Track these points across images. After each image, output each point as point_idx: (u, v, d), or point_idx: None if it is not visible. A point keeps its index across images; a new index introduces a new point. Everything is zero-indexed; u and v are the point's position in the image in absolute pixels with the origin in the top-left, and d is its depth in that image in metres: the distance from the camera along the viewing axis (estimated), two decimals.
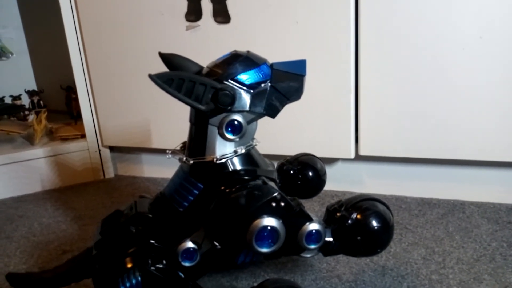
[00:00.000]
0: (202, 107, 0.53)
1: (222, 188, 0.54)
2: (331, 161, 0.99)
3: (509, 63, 0.78)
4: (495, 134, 0.82)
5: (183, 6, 0.97)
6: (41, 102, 1.35)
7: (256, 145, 0.59)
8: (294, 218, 0.53)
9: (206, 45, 0.97)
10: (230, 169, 0.56)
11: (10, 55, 1.38)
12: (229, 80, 0.54)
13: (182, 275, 0.55)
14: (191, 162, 0.56)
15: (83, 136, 1.16)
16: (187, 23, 0.97)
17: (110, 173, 1.19)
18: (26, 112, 1.31)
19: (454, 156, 0.86)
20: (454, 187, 0.91)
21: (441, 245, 0.74)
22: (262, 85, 0.55)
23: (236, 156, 0.56)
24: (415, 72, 0.84)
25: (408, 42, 0.83)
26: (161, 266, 0.54)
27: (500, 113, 0.81)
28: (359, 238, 0.55)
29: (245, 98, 0.55)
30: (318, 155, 0.73)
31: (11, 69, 1.39)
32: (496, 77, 0.79)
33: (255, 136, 0.59)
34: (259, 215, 0.51)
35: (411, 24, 0.82)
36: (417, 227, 0.80)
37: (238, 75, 0.54)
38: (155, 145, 1.09)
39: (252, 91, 0.55)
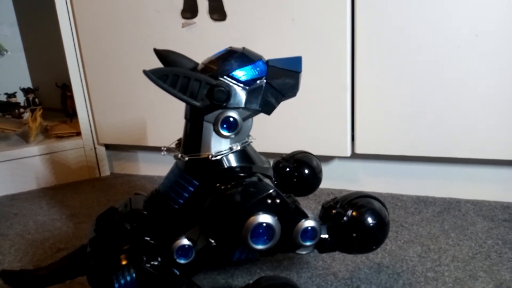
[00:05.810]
0: (197, 104, 0.53)
1: (217, 185, 0.54)
2: (328, 159, 0.98)
3: (504, 61, 0.78)
4: (491, 132, 0.82)
5: (179, 3, 0.96)
6: (37, 100, 1.35)
7: (251, 142, 0.59)
8: (290, 215, 0.53)
9: (202, 43, 0.96)
10: (226, 166, 0.55)
11: (5, 52, 1.37)
12: (224, 77, 0.54)
13: (177, 272, 0.54)
14: (186, 159, 0.56)
15: (78, 134, 1.16)
16: (183, 20, 0.97)
17: (105, 171, 1.19)
18: (21, 110, 1.30)
19: (450, 154, 0.86)
20: (450, 185, 0.91)
21: (436, 242, 0.74)
22: (258, 81, 0.55)
23: (231, 153, 0.56)
24: (411, 70, 0.84)
25: (404, 40, 0.83)
26: (156, 263, 0.54)
27: (495, 111, 0.81)
28: (354, 235, 0.55)
29: (241, 94, 0.54)
30: (314, 153, 0.73)
31: (6, 67, 1.38)
32: (491, 75, 0.80)
33: (251, 133, 0.59)
34: (255, 211, 0.51)
35: (407, 22, 0.82)
36: (413, 224, 0.80)
37: (233, 71, 0.54)
38: (151, 143, 1.09)
39: (247, 87, 0.55)
